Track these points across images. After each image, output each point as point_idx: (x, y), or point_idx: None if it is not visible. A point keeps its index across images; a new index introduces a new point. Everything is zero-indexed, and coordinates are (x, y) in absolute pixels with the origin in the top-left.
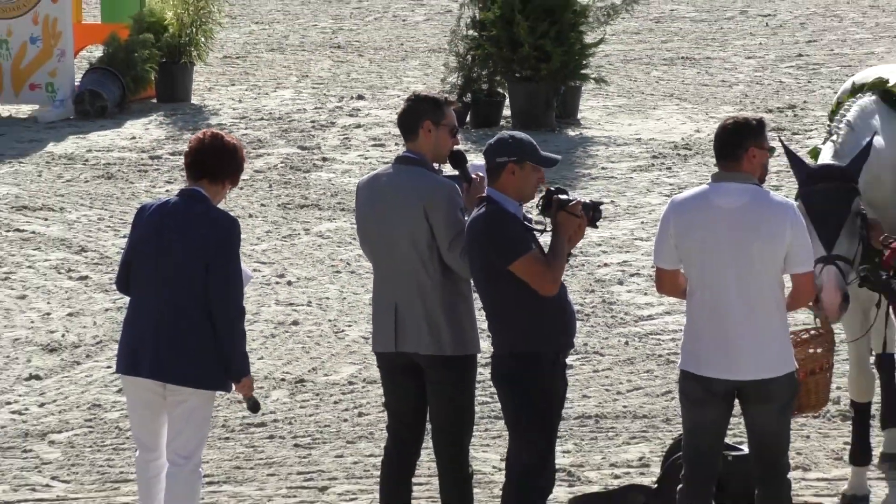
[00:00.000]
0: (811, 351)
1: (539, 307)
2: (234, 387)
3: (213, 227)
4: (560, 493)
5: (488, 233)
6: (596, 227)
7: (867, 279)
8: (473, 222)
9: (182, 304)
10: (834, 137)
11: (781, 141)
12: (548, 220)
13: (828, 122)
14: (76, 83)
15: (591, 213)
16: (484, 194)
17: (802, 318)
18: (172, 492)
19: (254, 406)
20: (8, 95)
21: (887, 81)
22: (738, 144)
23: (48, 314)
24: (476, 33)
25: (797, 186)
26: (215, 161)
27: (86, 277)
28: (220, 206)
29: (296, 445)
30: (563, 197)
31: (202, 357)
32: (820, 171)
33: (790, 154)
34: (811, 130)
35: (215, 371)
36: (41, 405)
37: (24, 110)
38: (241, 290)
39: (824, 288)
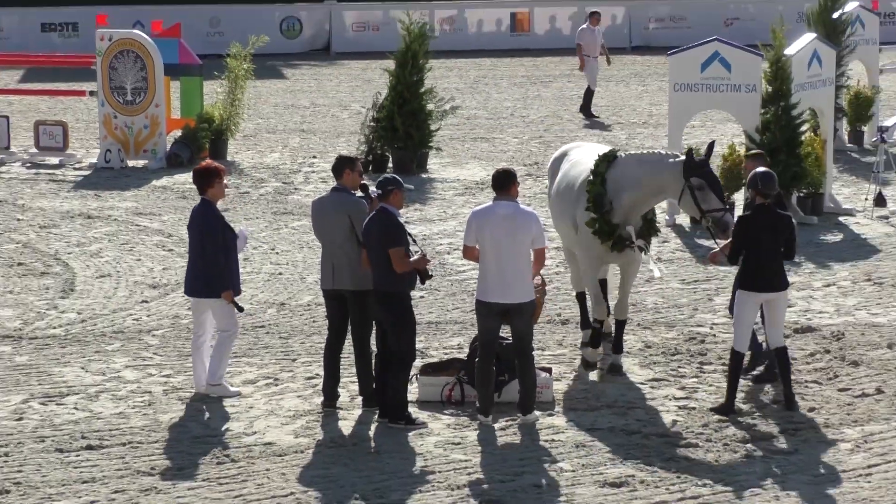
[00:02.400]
0: (537, 288)
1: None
2: (222, 295)
3: (204, 216)
4: (417, 363)
5: (381, 226)
6: (423, 283)
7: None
8: (371, 219)
9: (194, 256)
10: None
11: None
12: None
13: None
14: (167, 149)
15: (423, 275)
16: (377, 207)
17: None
18: (218, 350)
19: (239, 309)
20: (132, 155)
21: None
22: (506, 181)
23: (152, 268)
24: (374, 124)
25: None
26: (200, 179)
27: (171, 250)
28: (224, 207)
29: (279, 337)
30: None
31: (207, 280)
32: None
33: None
34: (543, 175)
35: (211, 289)
36: (148, 315)
37: (140, 163)
38: (220, 250)
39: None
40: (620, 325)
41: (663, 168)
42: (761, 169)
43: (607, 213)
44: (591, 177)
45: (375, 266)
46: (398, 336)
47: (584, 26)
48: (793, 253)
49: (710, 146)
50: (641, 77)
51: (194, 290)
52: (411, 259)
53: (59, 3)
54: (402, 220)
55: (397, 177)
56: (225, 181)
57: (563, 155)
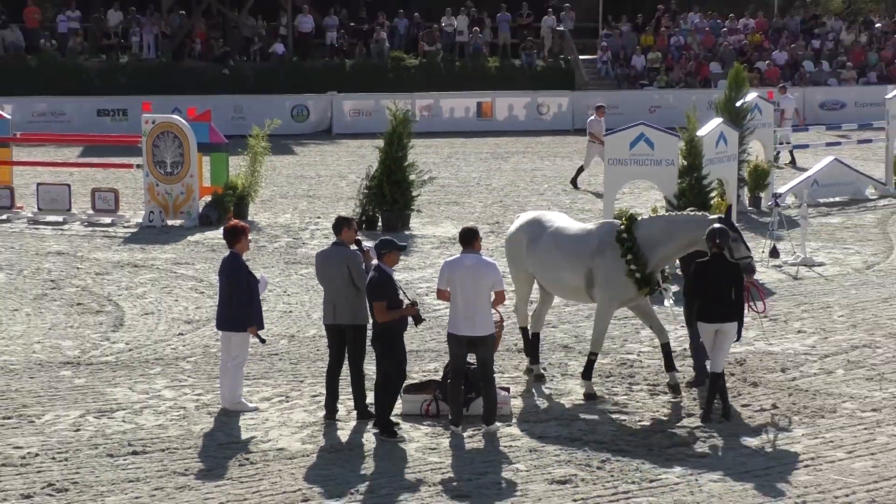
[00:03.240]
0: (496, 324)
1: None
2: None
3: (232, 265)
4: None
5: (372, 282)
6: (416, 325)
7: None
8: (371, 277)
9: (223, 297)
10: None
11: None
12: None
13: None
14: (199, 211)
15: (416, 319)
16: (374, 262)
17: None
18: (233, 375)
19: (262, 341)
20: (171, 216)
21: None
22: (471, 237)
23: (186, 307)
24: (367, 191)
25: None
26: (230, 236)
27: (202, 293)
28: (247, 257)
29: (290, 363)
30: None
31: (234, 317)
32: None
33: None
34: (503, 233)
35: (237, 324)
36: (183, 345)
37: (177, 222)
38: (244, 292)
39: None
40: (666, 346)
41: (704, 224)
42: (717, 226)
43: (643, 265)
44: (625, 235)
45: (370, 309)
46: (385, 364)
47: (593, 117)
48: (741, 293)
49: (728, 210)
50: (581, 154)
51: (224, 324)
52: (404, 306)
53: (111, 93)
54: (394, 276)
55: (393, 240)
56: (248, 237)
57: (536, 220)
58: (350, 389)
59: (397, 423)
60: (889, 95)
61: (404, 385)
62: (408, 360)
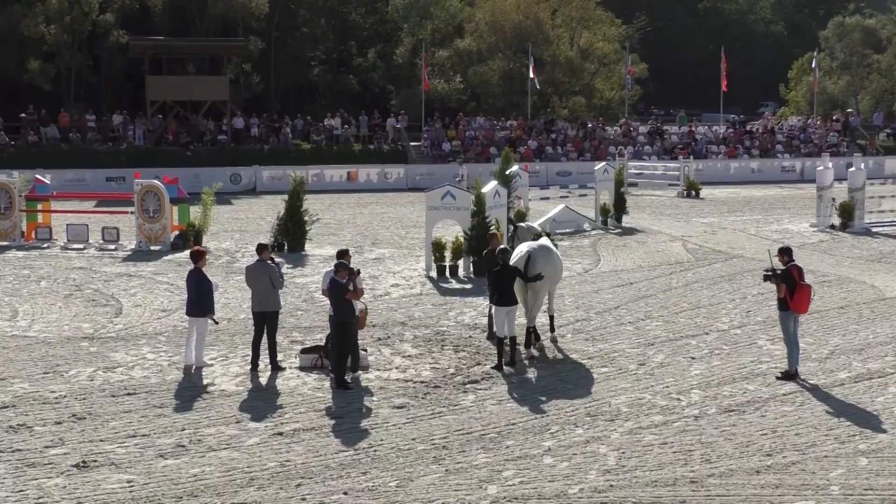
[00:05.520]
0: (361, 311)
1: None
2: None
3: (197, 276)
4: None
5: (331, 286)
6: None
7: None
8: (330, 281)
9: (191, 295)
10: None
11: None
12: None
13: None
14: (171, 240)
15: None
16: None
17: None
18: (199, 343)
19: (215, 323)
20: (153, 244)
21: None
22: (342, 256)
23: (162, 302)
24: (278, 227)
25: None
26: (195, 256)
27: (173, 293)
28: (207, 270)
29: (229, 335)
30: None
31: (199, 308)
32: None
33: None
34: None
35: (203, 312)
36: (161, 326)
37: (156, 248)
38: (204, 292)
39: None
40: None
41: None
42: (503, 246)
43: None
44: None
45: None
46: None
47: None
48: (524, 279)
49: (494, 237)
50: (414, 205)
51: (191, 312)
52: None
53: (115, 167)
54: (343, 283)
55: (344, 262)
56: (206, 257)
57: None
58: (268, 352)
59: (348, 381)
60: (596, 168)
61: (301, 348)
62: (307, 333)
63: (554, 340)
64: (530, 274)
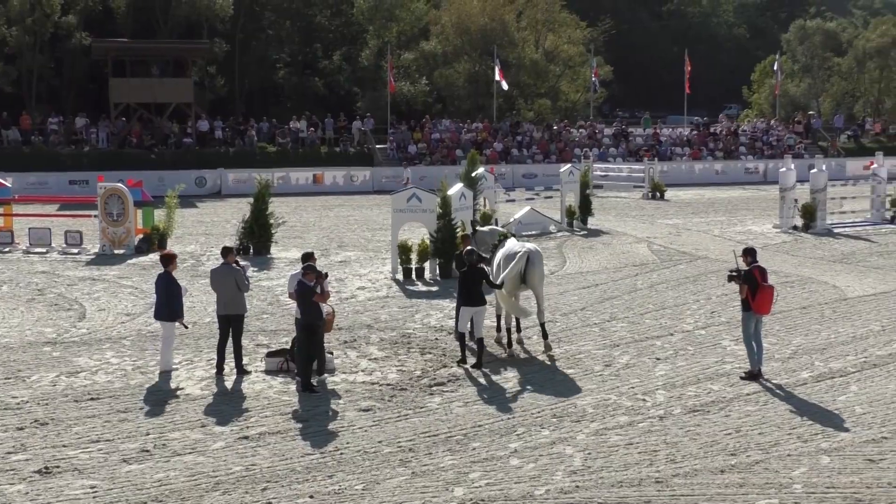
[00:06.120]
0: (328, 314)
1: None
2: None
3: (167, 280)
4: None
5: (298, 288)
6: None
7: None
8: (298, 283)
9: (160, 299)
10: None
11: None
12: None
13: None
14: (135, 244)
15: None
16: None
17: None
18: (165, 347)
19: (185, 327)
20: (117, 248)
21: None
22: (308, 259)
23: (127, 306)
24: (243, 229)
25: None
26: (166, 260)
27: (137, 297)
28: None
29: (194, 339)
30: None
31: (168, 312)
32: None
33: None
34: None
35: (172, 316)
36: (125, 330)
37: (120, 251)
38: (174, 296)
39: None
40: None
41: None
42: (469, 247)
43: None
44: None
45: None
46: (301, 343)
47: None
48: (489, 285)
49: (466, 238)
50: (381, 207)
51: (160, 316)
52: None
53: (78, 170)
54: (311, 285)
55: (312, 264)
56: (176, 261)
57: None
58: (233, 356)
59: (315, 384)
60: (562, 170)
61: (267, 351)
62: (272, 336)
63: (520, 342)
64: (530, 274)
